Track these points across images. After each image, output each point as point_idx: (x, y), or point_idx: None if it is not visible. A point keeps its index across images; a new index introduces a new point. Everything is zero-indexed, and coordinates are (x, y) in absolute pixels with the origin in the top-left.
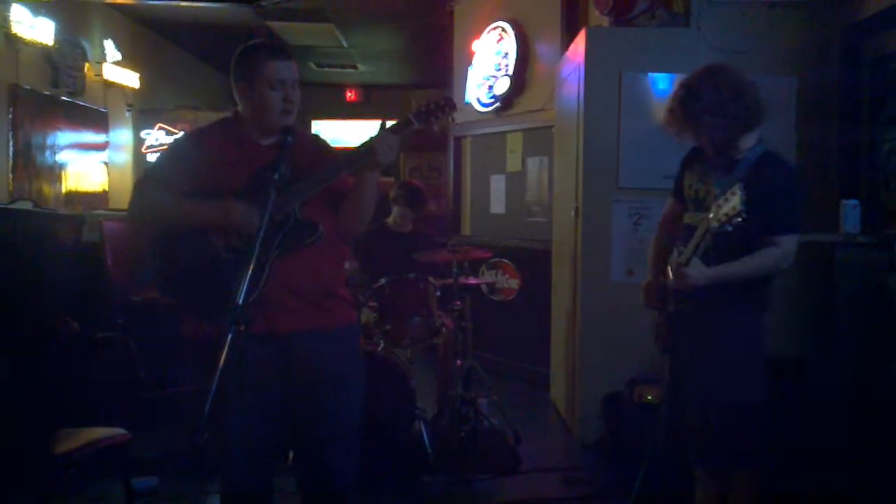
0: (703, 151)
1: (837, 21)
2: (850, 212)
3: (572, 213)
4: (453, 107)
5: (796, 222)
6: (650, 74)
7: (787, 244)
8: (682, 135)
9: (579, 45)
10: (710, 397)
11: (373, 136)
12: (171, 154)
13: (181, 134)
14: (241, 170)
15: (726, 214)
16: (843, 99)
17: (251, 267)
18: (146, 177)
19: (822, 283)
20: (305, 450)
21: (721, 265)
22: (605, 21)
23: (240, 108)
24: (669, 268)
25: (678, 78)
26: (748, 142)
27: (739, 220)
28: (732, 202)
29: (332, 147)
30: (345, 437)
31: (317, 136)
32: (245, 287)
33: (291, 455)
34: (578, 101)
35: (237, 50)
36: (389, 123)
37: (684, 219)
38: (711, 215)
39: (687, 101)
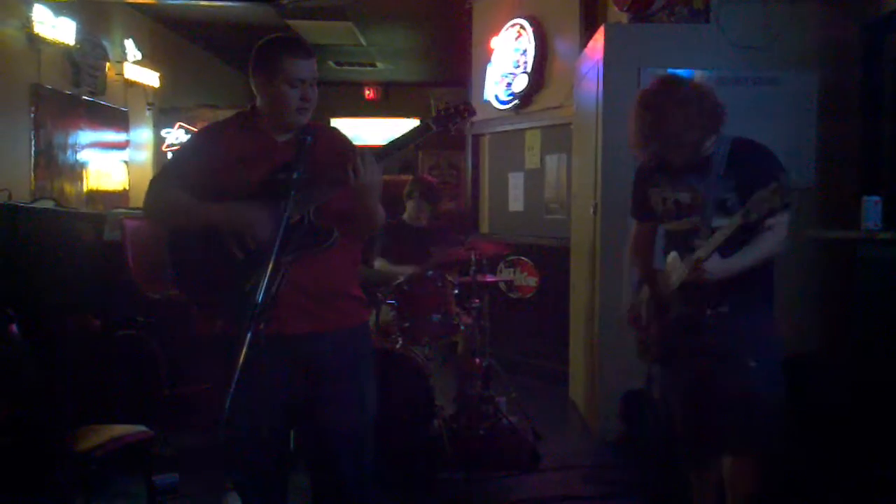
0: (658, 165)
1: (859, 17)
2: (872, 208)
3: (591, 210)
4: (472, 112)
5: (785, 202)
6: (669, 71)
7: (780, 226)
8: (649, 154)
9: (598, 41)
10: (741, 395)
11: (394, 138)
12: (187, 150)
13: (197, 130)
14: (256, 166)
15: (770, 208)
16: (864, 94)
17: (271, 265)
18: (161, 174)
19: (842, 280)
20: (317, 451)
21: (733, 256)
22: (623, 17)
23: (258, 101)
24: (668, 274)
25: (639, 95)
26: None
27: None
28: (770, 196)
29: (352, 144)
30: (357, 439)
31: (335, 132)
32: (264, 285)
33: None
34: (597, 98)
35: (258, 43)
36: (407, 128)
37: (667, 227)
38: (745, 211)
39: (661, 124)
